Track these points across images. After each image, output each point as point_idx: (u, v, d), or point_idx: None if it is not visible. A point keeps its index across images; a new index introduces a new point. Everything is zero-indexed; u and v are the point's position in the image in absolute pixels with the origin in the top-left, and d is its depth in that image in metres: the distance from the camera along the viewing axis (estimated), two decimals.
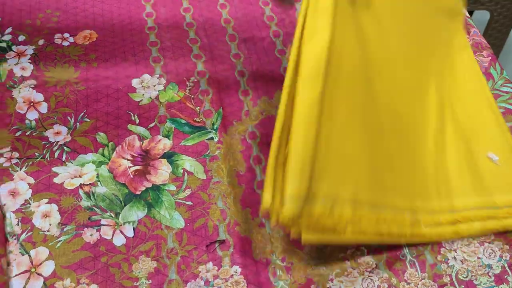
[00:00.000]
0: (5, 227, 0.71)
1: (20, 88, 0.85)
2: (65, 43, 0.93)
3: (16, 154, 0.77)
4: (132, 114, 0.82)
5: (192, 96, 0.85)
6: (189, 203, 0.74)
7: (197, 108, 0.83)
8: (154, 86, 0.86)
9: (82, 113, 0.82)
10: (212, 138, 0.80)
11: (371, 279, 0.68)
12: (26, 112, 0.82)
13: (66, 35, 0.94)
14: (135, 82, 0.86)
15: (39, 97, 0.84)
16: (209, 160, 0.77)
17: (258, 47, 0.93)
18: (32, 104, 0.83)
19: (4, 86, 0.85)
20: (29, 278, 0.67)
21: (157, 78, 0.87)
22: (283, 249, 0.70)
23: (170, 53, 0.91)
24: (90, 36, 0.94)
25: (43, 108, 0.83)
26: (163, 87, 0.86)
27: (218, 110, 0.83)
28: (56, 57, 0.89)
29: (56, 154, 0.78)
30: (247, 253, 0.70)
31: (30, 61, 0.88)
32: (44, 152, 0.78)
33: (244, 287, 0.67)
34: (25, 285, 0.67)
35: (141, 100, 0.84)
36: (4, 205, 0.73)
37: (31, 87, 0.85)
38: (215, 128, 0.81)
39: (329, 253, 0.70)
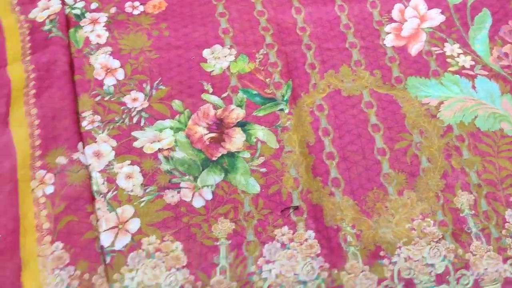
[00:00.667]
0: (92, 186, 0.76)
1: (97, 55, 0.89)
2: (136, 12, 0.96)
3: (98, 118, 0.82)
4: (205, 84, 0.86)
5: (262, 68, 0.89)
6: (263, 170, 0.78)
7: (267, 80, 0.87)
8: (225, 57, 0.89)
9: (157, 81, 0.86)
10: (282, 109, 0.84)
11: (438, 249, 0.72)
12: (104, 78, 0.86)
13: (136, 3, 0.97)
14: (206, 53, 0.90)
15: (116, 63, 0.88)
16: (281, 130, 0.81)
17: (324, 21, 0.95)
18: (109, 70, 0.87)
19: (82, 52, 0.89)
20: (117, 233, 0.73)
21: (228, 49, 0.90)
22: (352, 217, 0.75)
23: (238, 24, 0.94)
24: (160, 5, 0.97)
25: (120, 74, 0.87)
26: (233, 58, 0.89)
27: (287, 82, 0.87)
28: (128, 25, 0.93)
29: (134, 120, 0.82)
30: (319, 220, 0.74)
31: (105, 28, 0.92)
32: (123, 117, 0.82)
33: (318, 251, 0.72)
34: (114, 240, 0.72)
35: (213, 70, 0.88)
36: (89, 165, 0.78)
37: (108, 54, 0.89)
38: (285, 99, 0.85)
39: (396, 223, 0.75)
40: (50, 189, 0.74)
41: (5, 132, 0.77)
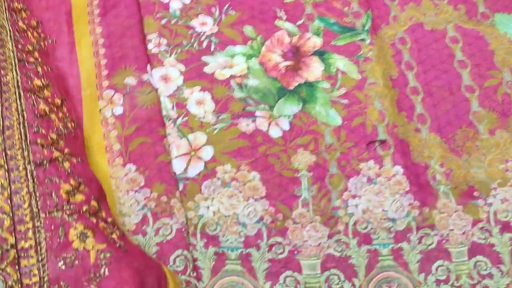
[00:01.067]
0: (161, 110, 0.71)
1: None
2: None
3: (164, 41, 0.76)
4: (277, 10, 0.79)
5: None
6: (345, 101, 0.72)
7: (345, 9, 0.80)
8: None
9: (226, 6, 0.80)
10: (363, 40, 0.77)
11: None
12: (170, 1, 0.80)
13: None
14: None
15: None
16: (363, 61, 0.75)
17: None
18: None
19: None
20: (189, 160, 0.68)
21: None
22: (441, 156, 0.69)
23: None
24: None
25: None
26: None
27: (366, 12, 0.80)
28: None
29: (204, 44, 0.76)
30: (406, 155, 0.69)
31: None
32: (192, 41, 0.76)
33: (406, 187, 0.66)
34: (186, 167, 0.67)
35: None
36: (157, 89, 0.72)
37: None
38: (365, 29, 0.78)
39: (489, 163, 0.69)
40: (119, 110, 0.68)
41: (69, 51, 0.72)
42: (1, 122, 0.53)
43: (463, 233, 0.64)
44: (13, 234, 0.47)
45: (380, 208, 0.65)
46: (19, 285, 0.44)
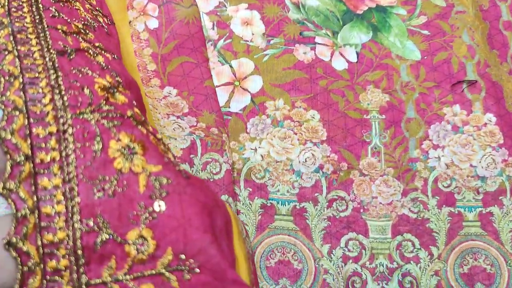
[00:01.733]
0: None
1: None
2: None
3: None
4: None
5: None
6: (426, 32, 0.58)
7: None
8: None
9: None
10: None
11: None
12: None
13: None
14: None
15: None
16: None
17: None
18: None
19: None
20: (233, 92, 0.55)
21: None
22: None
23: None
24: None
25: None
26: None
27: None
28: None
29: None
30: (500, 102, 0.56)
31: None
32: None
33: (500, 140, 0.53)
34: (229, 99, 0.54)
35: None
36: (196, 4, 0.58)
37: None
38: None
39: None
40: (153, 23, 0.55)
41: None
42: (7, 4, 0.37)
43: None
44: (28, 141, 0.31)
45: (467, 163, 0.52)
46: (36, 215, 0.30)
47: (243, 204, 0.51)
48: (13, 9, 0.37)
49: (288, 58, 0.57)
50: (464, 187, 0.52)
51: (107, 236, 0.30)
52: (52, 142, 0.31)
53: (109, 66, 0.38)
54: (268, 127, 0.54)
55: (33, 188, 0.30)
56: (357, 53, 0.57)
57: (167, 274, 0.30)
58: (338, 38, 0.58)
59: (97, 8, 0.47)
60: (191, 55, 0.54)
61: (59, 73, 0.34)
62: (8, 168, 0.29)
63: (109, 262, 0.30)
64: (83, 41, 0.39)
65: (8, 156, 0.30)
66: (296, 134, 0.53)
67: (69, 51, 0.36)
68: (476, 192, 0.52)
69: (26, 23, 0.36)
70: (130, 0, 0.56)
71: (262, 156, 0.52)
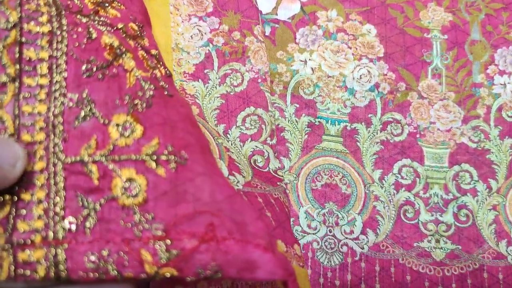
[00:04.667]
0: None
1: None
2: None
3: None
4: None
5: None
6: None
7: None
8: None
9: None
10: None
11: None
12: None
13: None
14: None
15: None
16: None
17: None
18: None
19: None
20: None
21: None
22: None
23: None
24: None
25: None
26: None
27: None
28: None
29: None
30: None
31: None
32: None
33: None
34: (276, 5, 0.49)
35: None
36: None
37: None
38: None
39: None
40: None
41: None
42: None
43: None
44: (18, 10, 0.29)
45: None
46: (17, 85, 0.28)
47: (288, 121, 0.47)
48: None
49: None
50: None
51: (90, 114, 0.28)
52: (44, 18, 0.29)
53: None
54: (320, 39, 0.49)
55: (17, 56, 0.28)
56: None
57: (152, 161, 0.28)
58: None
59: None
60: None
61: None
62: None
63: (89, 142, 0.28)
64: None
65: None
66: (350, 48, 0.49)
67: None
68: None
69: None
70: None
71: (312, 69, 0.48)
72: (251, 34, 0.47)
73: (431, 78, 0.49)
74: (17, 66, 0.28)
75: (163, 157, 0.28)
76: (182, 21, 0.47)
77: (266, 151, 0.45)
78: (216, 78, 0.46)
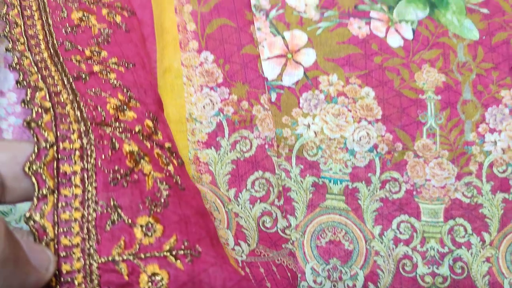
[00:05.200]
0: None
1: None
2: None
3: None
4: None
5: None
6: (485, 11, 0.57)
7: None
8: None
9: None
10: None
11: None
12: None
13: None
14: None
15: None
16: None
17: None
18: None
19: None
20: (285, 64, 0.54)
21: None
22: None
23: None
24: None
25: None
26: None
27: None
28: None
29: None
30: None
31: None
32: None
33: None
34: (281, 72, 0.53)
35: None
36: None
37: None
38: None
39: None
40: None
41: None
42: (26, 42, 0.41)
43: None
44: (54, 130, 0.34)
45: None
46: (55, 196, 0.32)
47: (294, 181, 0.51)
48: (32, 47, 0.41)
49: (342, 32, 0.56)
50: None
51: (118, 218, 0.33)
52: (75, 135, 0.34)
53: (121, 82, 0.41)
54: (322, 103, 0.53)
55: (55, 171, 0.32)
56: (413, 30, 0.57)
57: (171, 256, 0.33)
58: (394, 13, 0.57)
59: (115, 5, 0.47)
60: (231, 17, 0.53)
61: (77, 93, 0.38)
62: (35, 150, 0.32)
63: (119, 242, 0.32)
64: (95, 64, 0.42)
65: (36, 140, 0.33)
66: (350, 111, 0.53)
67: (83, 76, 0.40)
68: None
69: (45, 57, 0.40)
70: None
71: (315, 133, 0.52)
72: (258, 103, 0.51)
73: (426, 138, 0.53)
74: (56, 180, 0.32)
75: (181, 252, 0.33)
76: (195, 92, 0.51)
77: (274, 211, 0.49)
78: (227, 145, 0.50)
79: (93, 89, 0.40)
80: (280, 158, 0.51)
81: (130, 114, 0.39)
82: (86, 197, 0.33)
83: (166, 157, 0.39)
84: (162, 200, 0.35)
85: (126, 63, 0.45)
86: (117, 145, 0.36)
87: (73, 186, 0.33)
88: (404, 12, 0.57)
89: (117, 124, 0.38)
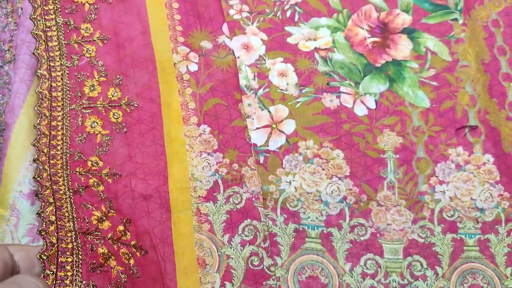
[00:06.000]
0: (241, 79, 0.71)
1: None
2: None
3: (246, 8, 0.76)
4: None
5: None
6: (434, 83, 0.71)
7: None
8: None
9: None
10: (456, 19, 0.75)
11: None
12: None
13: None
14: None
15: None
16: (454, 42, 0.74)
17: None
18: None
19: None
20: (271, 133, 0.68)
21: None
22: None
23: None
24: None
25: None
26: None
27: None
28: None
29: (288, 14, 0.75)
30: (498, 144, 0.68)
31: None
32: (275, 10, 0.76)
33: (497, 177, 0.65)
34: (267, 139, 0.67)
35: None
36: (238, 57, 0.72)
37: None
38: (458, 9, 0.76)
39: None
40: (194, 67, 0.69)
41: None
42: (49, 151, 0.59)
43: None
44: (56, 236, 0.54)
45: (468, 197, 0.64)
46: (55, 275, 0.51)
47: (279, 228, 0.64)
48: (51, 157, 0.59)
49: (317, 105, 0.70)
50: (465, 217, 0.64)
51: None
52: (68, 240, 0.54)
53: (106, 196, 0.59)
54: (301, 163, 0.66)
55: (55, 260, 0.51)
56: (375, 101, 0.70)
57: None
58: (360, 88, 0.71)
59: (120, 104, 0.64)
60: (223, 98, 0.67)
61: (73, 207, 0.56)
62: (45, 247, 0.51)
63: None
64: (92, 177, 0.60)
65: (44, 241, 0.52)
66: (324, 169, 0.66)
67: (80, 190, 0.58)
68: (475, 221, 0.64)
69: (58, 169, 0.58)
70: (174, 46, 0.69)
71: (295, 188, 0.65)
72: (246, 165, 0.65)
73: (386, 190, 0.65)
74: (55, 266, 0.51)
75: None
76: (196, 156, 0.65)
77: (260, 252, 0.62)
78: (222, 199, 0.63)
79: (85, 202, 0.57)
80: (267, 209, 0.64)
81: (106, 224, 0.57)
82: (74, 278, 0.51)
83: (130, 252, 0.56)
84: (122, 284, 0.53)
85: (114, 175, 0.61)
86: (94, 248, 0.54)
87: (66, 271, 0.51)
88: (368, 87, 0.71)
89: (96, 232, 0.56)
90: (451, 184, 0.65)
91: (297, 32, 0.74)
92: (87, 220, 0.56)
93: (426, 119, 0.68)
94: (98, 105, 0.62)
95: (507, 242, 0.63)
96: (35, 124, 0.59)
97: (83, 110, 0.62)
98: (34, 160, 0.57)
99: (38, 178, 0.56)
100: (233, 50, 0.71)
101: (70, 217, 0.55)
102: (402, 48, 0.73)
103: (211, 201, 0.62)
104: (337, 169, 0.65)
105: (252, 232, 0.61)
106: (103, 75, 0.64)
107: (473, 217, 0.63)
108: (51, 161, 0.58)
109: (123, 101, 0.64)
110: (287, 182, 0.65)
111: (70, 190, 0.57)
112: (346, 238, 0.63)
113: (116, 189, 0.59)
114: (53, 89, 0.61)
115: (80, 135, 0.60)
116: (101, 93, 0.63)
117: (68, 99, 0.61)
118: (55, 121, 0.60)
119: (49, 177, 0.57)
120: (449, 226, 0.63)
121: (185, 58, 0.69)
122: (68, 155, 0.59)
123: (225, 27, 0.72)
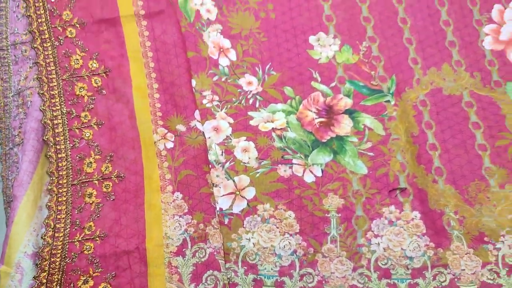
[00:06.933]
0: (210, 155, 0.86)
1: (209, 32, 0.97)
2: None
3: (216, 97, 0.92)
4: (313, 71, 0.95)
5: (366, 61, 0.97)
6: (371, 154, 0.86)
7: (372, 73, 0.95)
8: (330, 46, 0.97)
9: (268, 66, 0.95)
10: (389, 101, 0.92)
11: None
12: (218, 57, 0.95)
13: None
14: (312, 40, 0.98)
15: (227, 43, 0.97)
16: (388, 119, 0.89)
17: (425, 15, 1.00)
18: (222, 50, 0.96)
19: (194, 27, 0.98)
20: (234, 199, 0.82)
21: (332, 38, 0.98)
22: (455, 204, 0.82)
23: (341, 12, 1.00)
24: None
25: (232, 55, 0.96)
26: (338, 48, 0.97)
27: (391, 77, 0.94)
28: (236, 3, 1.01)
29: (250, 101, 0.92)
30: (424, 202, 0.81)
31: (213, 3, 1.00)
32: (240, 98, 0.92)
33: (423, 230, 0.79)
34: (232, 204, 0.82)
35: (320, 58, 0.96)
36: (209, 138, 0.88)
37: (218, 32, 0.98)
38: (391, 92, 0.93)
39: (499, 213, 0.81)
40: (170, 144, 0.84)
41: (126, 84, 0.87)
42: (54, 225, 0.75)
43: (474, 273, 0.76)
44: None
45: (399, 247, 0.77)
46: None
47: (240, 278, 0.76)
48: (56, 234, 0.75)
49: (273, 174, 0.85)
50: (397, 264, 0.77)
51: None
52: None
53: (91, 257, 0.74)
54: (259, 223, 0.80)
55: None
56: (322, 170, 0.85)
57: None
58: (309, 159, 0.86)
59: (111, 177, 0.80)
60: (194, 169, 0.82)
61: (64, 271, 0.73)
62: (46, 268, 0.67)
63: None
64: (85, 241, 0.76)
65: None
66: (277, 228, 0.80)
67: (73, 258, 0.74)
68: (406, 268, 0.77)
69: (59, 242, 0.75)
70: (155, 127, 0.85)
71: (253, 244, 0.79)
72: (210, 225, 0.79)
73: (330, 244, 0.79)
74: None
75: None
76: (169, 219, 0.79)
77: None
78: (190, 253, 0.77)
79: (74, 270, 0.72)
80: (230, 262, 0.77)
81: (91, 283, 0.72)
82: None
83: None
84: None
85: (101, 236, 0.75)
86: None
87: None
88: (315, 158, 0.86)
89: None
90: (384, 237, 0.78)
91: (257, 116, 0.90)
92: (72, 284, 0.70)
93: (364, 184, 0.83)
94: (94, 180, 0.78)
95: (433, 285, 0.75)
96: (47, 204, 0.75)
97: (81, 185, 0.77)
98: (42, 237, 0.74)
99: (41, 252, 0.72)
100: (203, 132, 0.87)
101: (59, 282, 0.70)
102: (344, 126, 0.89)
103: (180, 256, 0.75)
104: (289, 227, 0.79)
105: (213, 281, 0.74)
106: (98, 153, 0.80)
107: (404, 264, 0.76)
108: (56, 235, 0.73)
109: (113, 174, 0.79)
110: (247, 239, 0.78)
111: (66, 260, 0.72)
112: (296, 285, 0.75)
113: (104, 247, 0.73)
114: (60, 169, 0.76)
115: (79, 206, 0.75)
116: (96, 169, 0.79)
117: (71, 176, 0.77)
118: (61, 197, 0.76)
119: (49, 251, 0.72)
120: (383, 272, 0.76)
121: (163, 138, 0.85)
122: (69, 226, 0.74)
123: (197, 114, 0.88)
